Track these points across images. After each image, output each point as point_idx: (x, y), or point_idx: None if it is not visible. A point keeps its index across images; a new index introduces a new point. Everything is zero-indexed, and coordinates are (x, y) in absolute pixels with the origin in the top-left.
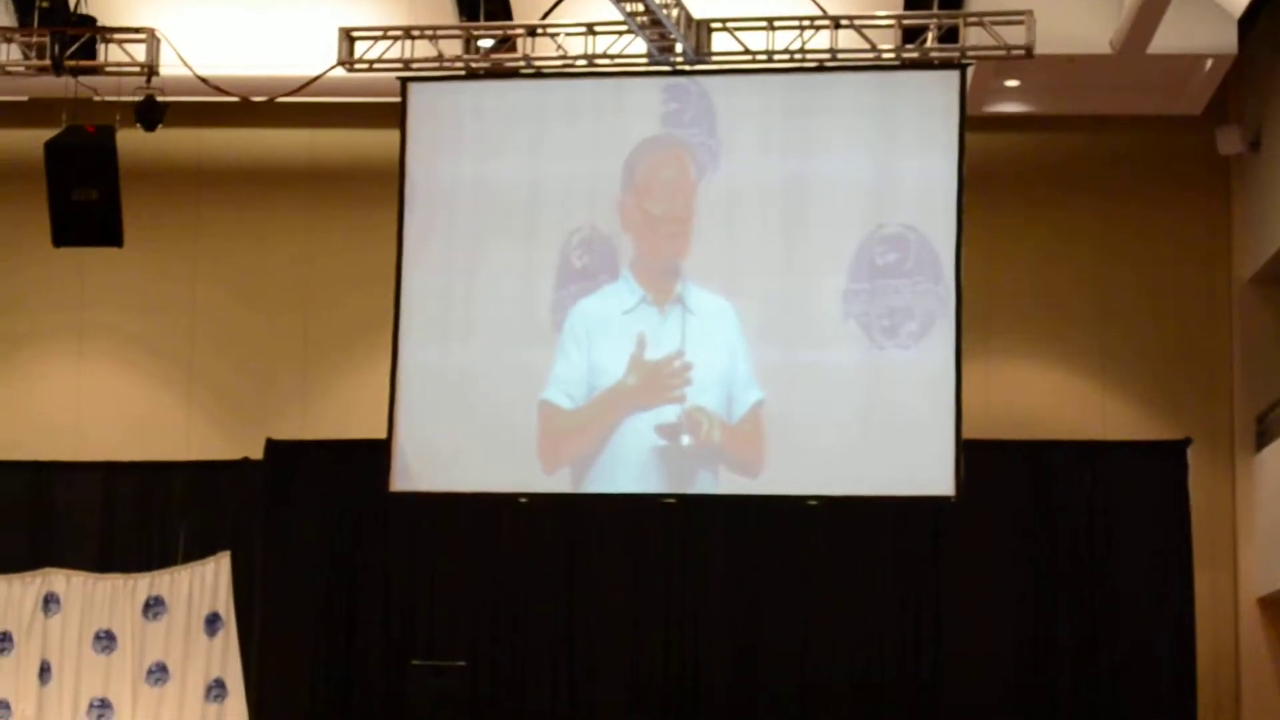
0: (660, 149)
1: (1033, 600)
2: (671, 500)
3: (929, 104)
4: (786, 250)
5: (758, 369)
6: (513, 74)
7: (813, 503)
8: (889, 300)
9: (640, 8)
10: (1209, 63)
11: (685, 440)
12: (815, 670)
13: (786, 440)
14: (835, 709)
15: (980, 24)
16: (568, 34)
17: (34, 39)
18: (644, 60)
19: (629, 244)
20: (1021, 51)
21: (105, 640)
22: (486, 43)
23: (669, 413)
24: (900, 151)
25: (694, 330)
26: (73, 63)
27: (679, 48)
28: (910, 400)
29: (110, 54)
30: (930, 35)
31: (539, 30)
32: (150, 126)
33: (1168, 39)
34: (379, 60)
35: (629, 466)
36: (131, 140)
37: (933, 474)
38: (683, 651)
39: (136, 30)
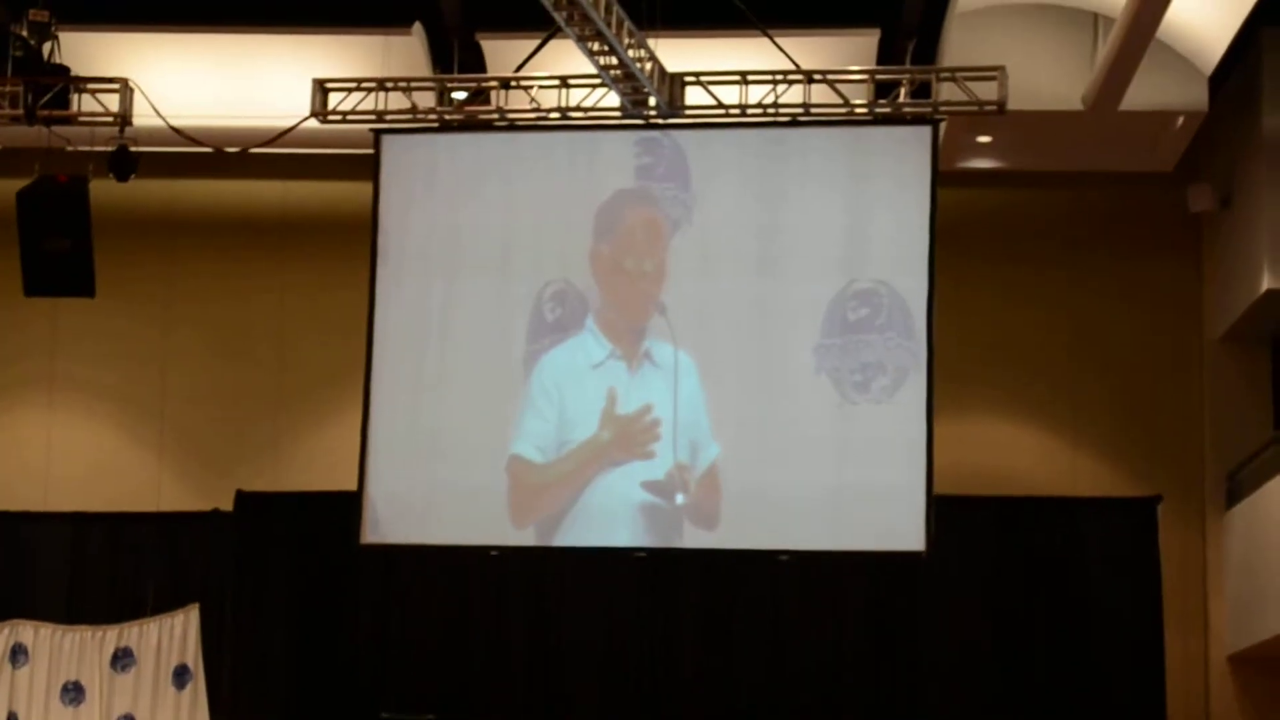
0: (633, 203)
1: (1002, 657)
2: (642, 555)
3: (902, 159)
4: (759, 304)
5: (720, 423)
6: (486, 126)
7: (784, 558)
8: (861, 355)
9: (614, 61)
10: (1180, 120)
11: (680, 499)
12: None
13: (748, 494)
14: None
15: (953, 79)
16: (541, 87)
17: (7, 88)
18: (617, 114)
19: (598, 297)
20: (994, 107)
21: (73, 692)
22: (460, 95)
23: (655, 469)
24: (873, 206)
25: (662, 384)
26: (45, 112)
27: (652, 101)
28: (882, 455)
29: (84, 104)
30: (903, 90)
31: (513, 83)
32: (123, 177)
33: (1139, 96)
34: (352, 112)
35: (601, 520)
36: (104, 190)
37: (904, 529)
38: (655, 704)
39: (110, 80)
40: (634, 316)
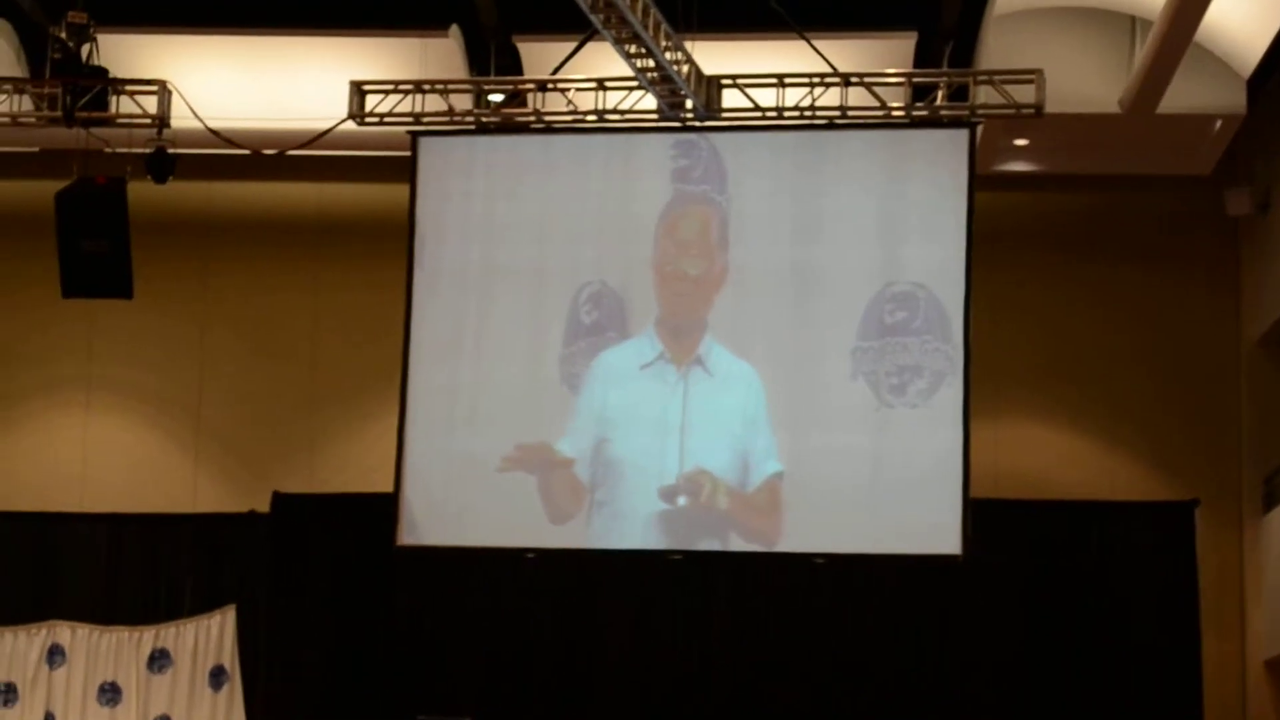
0: (687, 206)
1: (1037, 660)
2: (678, 557)
3: (938, 162)
4: (797, 308)
5: (776, 437)
6: (523, 128)
7: (819, 560)
8: (898, 358)
9: (651, 64)
10: (1218, 123)
11: (682, 502)
12: None
13: (802, 508)
14: None
15: (990, 83)
16: (578, 89)
17: (46, 90)
18: (654, 116)
19: (652, 301)
20: (1031, 110)
21: (110, 693)
22: (497, 97)
23: (669, 474)
24: (909, 209)
25: (708, 392)
26: (84, 114)
27: (689, 104)
28: (918, 459)
29: (122, 106)
30: (940, 93)
31: (549, 85)
32: (161, 178)
33: (1177, 99)
34: (389, 114)
35: (635, 523)
36: (142, 192)
37: (940, 533)
38: (689, 707)
39: (148, 82)
40: (683, 320)
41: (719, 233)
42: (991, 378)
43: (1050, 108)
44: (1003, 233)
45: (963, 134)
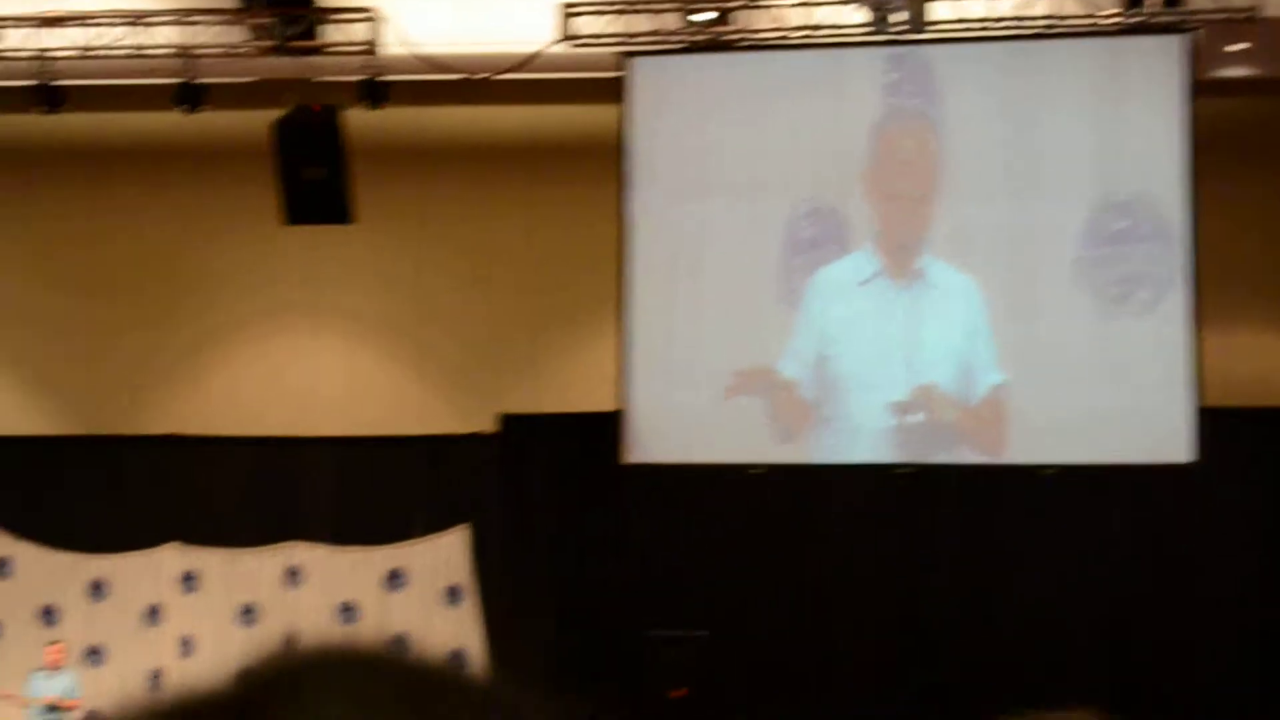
0: (901, 121)
1: (1272, 568)
2: (905, 471)
3: (1153, 70)
4: (1016, 221)
5: (998, 348)
6: (732, 47)
7: (1049, 471)
8: (1120, 268)
9: None
10: None
11: (917, 417)
12: (1052, 640)
13: (1026, 420)
14: (1075, 678)
15: None
16: (787, 5)
17: (258, 21)
18: (863, 31)
19: (869, 216)
20: (1247, 13)
21: (348, 611)
22: (703, 16)
23: (901, 389)
24: (1126, 118)
25: (931, 306)
26: (297, 44)
27: (898, 17)
28: (1144, 368)
29: (332, 34)
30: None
31: (757, 3)
32: (374, 105)
33: None
34: (599, 35)
35: (861, 438)
36: (357, 119)
37: (1169, 442)
38: (919, 621)
39: (358, 10)
40: (903, 235)
41: (933, 147)
42: (1215, 285)
43: (1269, 10)
44: (1222, 139)
45: (1177, 40)
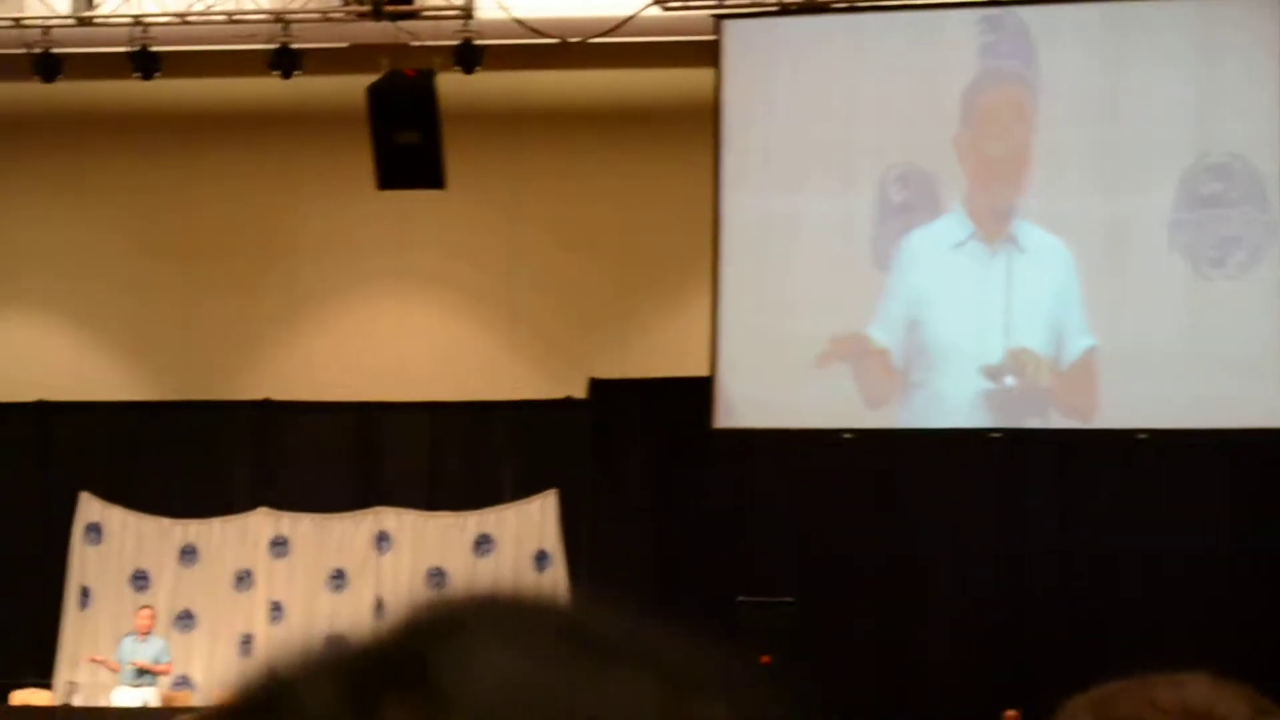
0: (996, 84)
1: None
2: (997, 435)
3: (1250, 30)
4: (1110, 182)
5: (1089, 311)
6: (826, 8)
7: (1142, 436)
8: (1216, 230)
9: None
10: None
11: (1010, 381)
12: (1153, 607)
13: (1118, 383)
14: (1175, 643)
15: None
16: None
17: None
18: None
19: (961, 179)
20: None
21: (437, 577)
22: None
23: (993, 353)
24: (1223, 78)
25: (1023, 269)
26: (391, 8)
27: None
28: (1238, 331)
29: None
30: None
31: None
32: (468, 69)
33: None
34: None
35: (952, 402)
36: (450, 83)
37: (1264, 406)
38: (1010, 586)
39: None
40: (995, 198)
41: (1028, 108)
42: None
43: None
44: None
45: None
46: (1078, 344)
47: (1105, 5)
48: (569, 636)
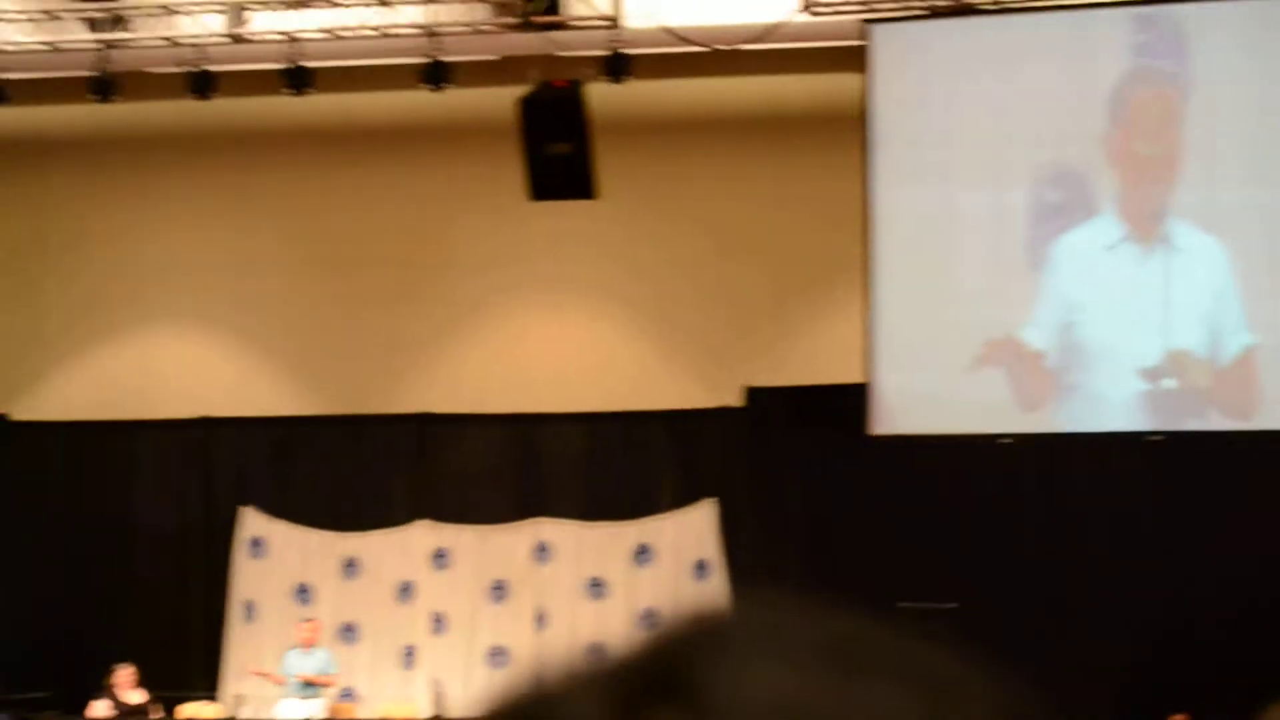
0: (1147, 83)
1: None
2: (1157, 438)
3: None
4: (1263, 179)
5: (1248, 309)
6: (976, 10)
7: None
8: None
9: None
10: None
11: (1168, 383)
12: None
13: (1278, 382)
14: None
15: None
16: None
17: None
18: None
19: (1114, 180)
20: None
21: (597, 587)
22: None
23: (1151, 355)
24: None
25: (1178, 269)
26: (540, 19)
27: None
28: None
29: (576, 9)
30: None
31: None
32: (617, 79)
33: None
34: (840, 3)
35: (1113, 406)
36: (600, 93)
37: None
38: (1174, 589)
39: None
40: (1149, 199)
41: (1180, 107)
42: None
43: None
44: None
45: None
46: (1236, 342)
47: (1263, 3)
48: (829, 650)
